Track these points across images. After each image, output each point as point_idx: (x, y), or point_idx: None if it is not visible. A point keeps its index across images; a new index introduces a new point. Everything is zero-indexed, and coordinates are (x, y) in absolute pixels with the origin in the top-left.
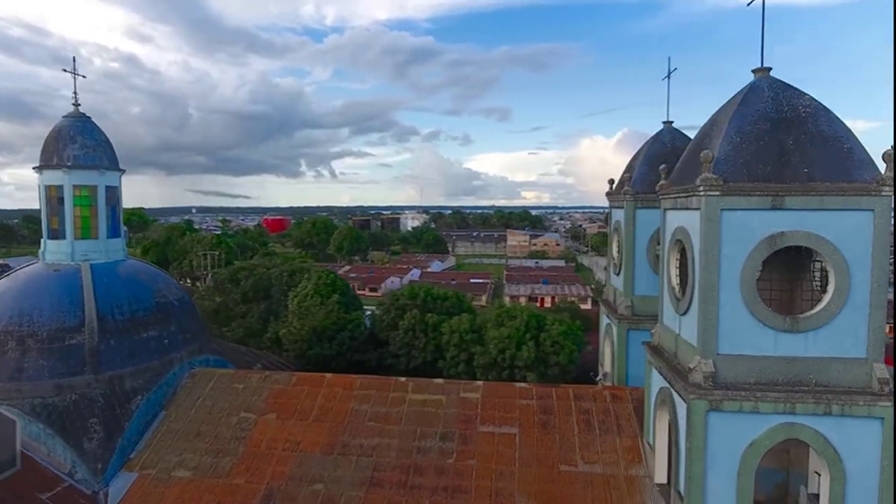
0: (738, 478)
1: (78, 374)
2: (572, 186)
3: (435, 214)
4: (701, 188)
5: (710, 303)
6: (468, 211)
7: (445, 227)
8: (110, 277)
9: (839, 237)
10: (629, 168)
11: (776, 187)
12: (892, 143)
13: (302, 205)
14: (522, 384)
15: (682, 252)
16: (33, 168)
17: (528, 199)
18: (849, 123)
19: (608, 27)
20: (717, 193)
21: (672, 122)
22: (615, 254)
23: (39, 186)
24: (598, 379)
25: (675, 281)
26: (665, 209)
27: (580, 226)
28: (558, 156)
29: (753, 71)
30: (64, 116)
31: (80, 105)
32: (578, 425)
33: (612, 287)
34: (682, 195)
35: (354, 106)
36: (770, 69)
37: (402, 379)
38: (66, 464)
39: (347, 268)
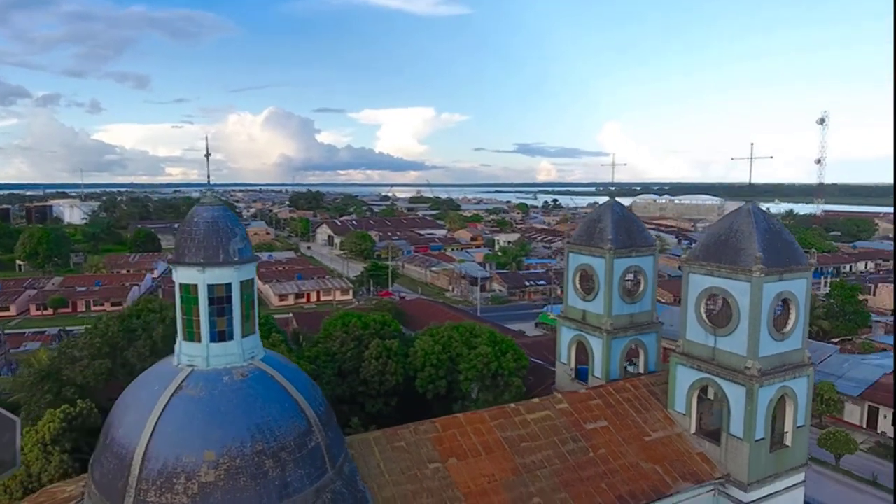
0: (765, 418)
1: (324, 473)
2: (222, 163)
3: (108, 201)
4: (756, 272)
5: (756, 331)
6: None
7: (128, 217)
8: (292, 373)
9: (798, 292)
10: (599, 231)
11: (782, 269)
12: (891, 144)
13: None
14: (582, 391)
15: (709, 299)
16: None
17: (175, 175)
18: (449, 117)
19: (250, 2)
20: (764, 275)
21: (616, 199)
22: (577, 284)
23: (197, 286)
24: (569, 373)
25: (704, 316)
26: (689, 273)
27: (270, 210)
28: (205, 130)
29: (746, 201)
30: (201, 203)
31: (214, 188)
32: (631, 409)
33: (576, 308)
34: (725, 269)
35: None
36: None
37: (513, 405)
38: None
39: (58, 279)
